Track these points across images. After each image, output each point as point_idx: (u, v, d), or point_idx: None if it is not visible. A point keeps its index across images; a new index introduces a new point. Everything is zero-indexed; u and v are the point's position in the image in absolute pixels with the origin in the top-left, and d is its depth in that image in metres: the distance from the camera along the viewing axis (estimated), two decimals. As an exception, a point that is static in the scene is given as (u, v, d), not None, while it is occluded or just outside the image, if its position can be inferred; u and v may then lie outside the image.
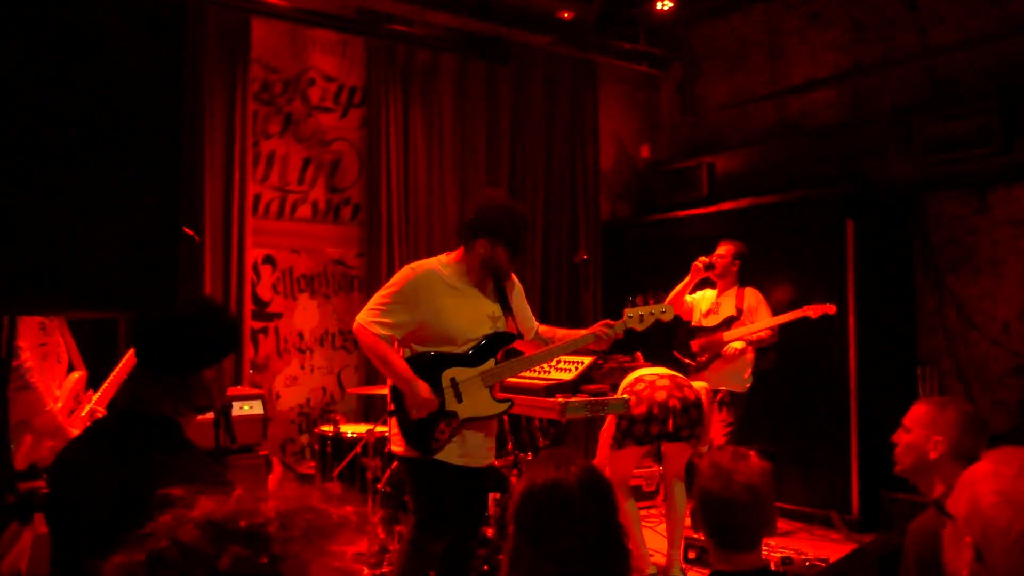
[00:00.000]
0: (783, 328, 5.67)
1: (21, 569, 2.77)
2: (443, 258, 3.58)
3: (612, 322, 3.68)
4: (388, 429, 3.69)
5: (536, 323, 3.81)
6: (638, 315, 3.70)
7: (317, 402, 6.54)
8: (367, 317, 3.41)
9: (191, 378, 1.96)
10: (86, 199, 1.51)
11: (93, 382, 3.45)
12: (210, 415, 3.48)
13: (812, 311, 5.54)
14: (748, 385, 5.70)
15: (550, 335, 3.77)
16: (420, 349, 3.46)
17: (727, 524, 2.12)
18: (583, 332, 3.68)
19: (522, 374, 4.75)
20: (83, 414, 3.28)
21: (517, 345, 3.73)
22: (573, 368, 4.65)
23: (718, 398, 5.67)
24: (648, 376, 4.73)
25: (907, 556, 2.28)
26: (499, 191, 3.63)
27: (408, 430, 3.44)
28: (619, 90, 8.22)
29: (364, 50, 6.71)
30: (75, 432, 3.09)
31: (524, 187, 7.37)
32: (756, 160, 7.22)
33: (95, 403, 3.33)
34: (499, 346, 3.54)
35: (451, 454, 3.44)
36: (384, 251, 6.54)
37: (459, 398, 3.42)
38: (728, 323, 5.61)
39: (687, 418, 4.59)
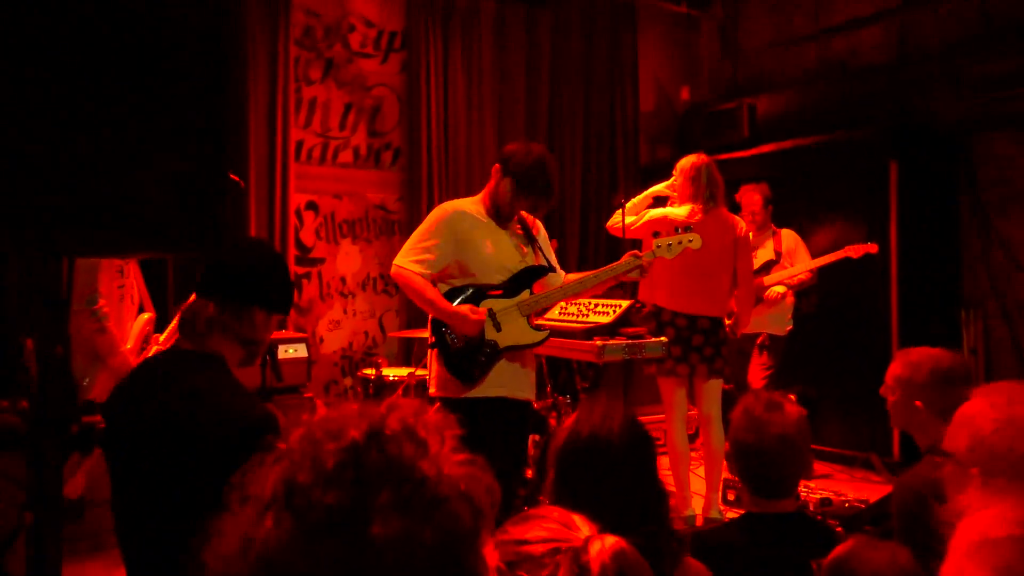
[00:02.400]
0: (824, 271, 5.63)
1: (75, 497, 2.92)
2: (472, 198, 3.66)
3: (640, 252, 3.70)
4: (427, 371, 3.76)
5: (561, 269, 3.84)
6: (666, 244, 3.72)
7: (359, 345, 6.66)
8: (405, 258, 3.49)
9: (246, 310, 2.02)
10: (134, 144, 1.56)
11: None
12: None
13: (853, 251, 5.49)
14: (788, 328, 5.70)
15: (576, 279, 3.79)
16: (454, 284, 3.52)
17: (762, 474, 2.16)
18: (613, 264, 3.70)
19: (560, 317, 4.82)
20: (151, 354, 3.41)
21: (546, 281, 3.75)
22: (611, 311, 4.69)
23: (758, 342, 5.68)
24: None
25: (893, 513, 2.30)
26: (536, 143, 3.65)
27: (450, 361, 3.49)
28: (659, 32, 8.10)
29: (404, -6, 6.69)
30: None
31: (563, 130, 7.36)
32: (798, 101, 7.11)
33: (161, 346, 3.45)
34: (532, 278, 3.58)
35: (490, 386, 3.49)
36: (424, 195, 6.59)
37: (498, 327, 3.47)
38: (767, 267, 5.58)
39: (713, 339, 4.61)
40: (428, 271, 3.46)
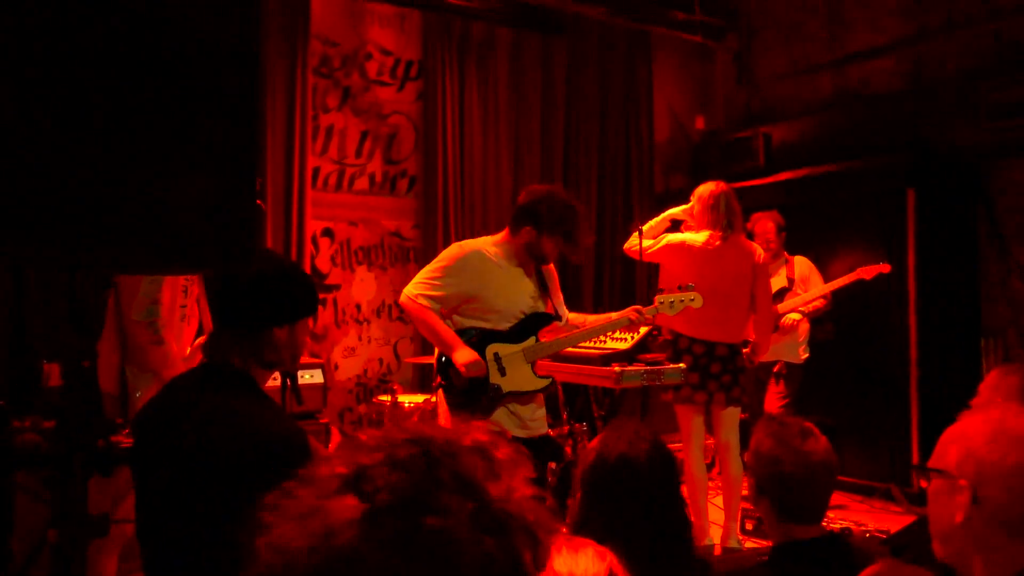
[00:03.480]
0: (842, 299, 5.60)
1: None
2: (489, 238, 3.71)
3: (643, 308, 3.78)
4: (437, 407, 3.79)
5: (567, 311, 3.90)
6: (668, 301, 3.82)
7: (374, 372, 6.64)
8: (415, 290, 3.53)
9: (262, 334, 1.99)
10: (165, 162, 1.56)
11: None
12: (277, 382, 3.58)
13: (866, 272, 5.47)
14: (805, 356, 5.66)
15: (580, 322, 3.87)
16: (463, 323, 3.57)
17: (803, 504, 2.10)
18: (615, 316, 3.79)
19: (579, 344, 4.80)
20: None
21: (553, 327, 3.81)
22: (629, 337, 4.67)
23: (775, 370, 5.64)
24: None
25: None
26: (556, 185, 3.73)
27: (455, 402, 3.55)
28: (673, 61, 8.14)
29: (421, 24, 6.75)
30: None
31: (578, 158, 7.38)
32: (814, 130, 7.11)
33: None
34: (539, 325, 3.65)
35: (508, 426, 3.52)
36: (440, 223, 6.61)
37: (502, 372, 3.53)
38: (780, 295, 5.55)
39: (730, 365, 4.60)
40: (437, 306, 3.51)
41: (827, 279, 5.73)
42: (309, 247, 6.24)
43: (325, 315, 6.43)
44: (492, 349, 3.53)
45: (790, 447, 2.10)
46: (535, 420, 3.64)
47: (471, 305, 3.53)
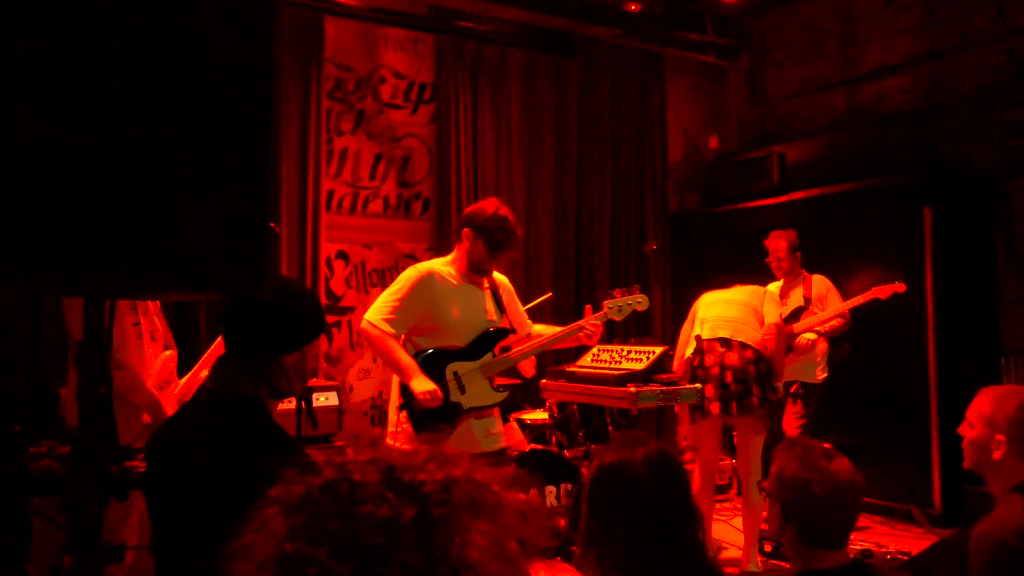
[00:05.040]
0: (860, 318, 5.56)
1: (124, 540, 2.88)
2: (442, 259, 3.86)
3: (593, 316, 3.93)
4: (388, 427, 3.87)
5: (530, 323, 4.04)
6: (617, 306, 3.96)
7: (389, 395, 6.62)
8: (376, 316, 3.62)
9: (271, 362, 1.99)
10: (179, 184, 1.56)
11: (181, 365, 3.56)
12: (292, 405, 3.57)
13: (881, 292, 5.44)
14: (824, 376, 5.61)
15: (540, 333, 3.99)
16: (421, 343, 3.66)
17: (830, 527, 2.05)
18: (569, 327, 3.93)
19: (593, 364, 4.79)
20: (175, 392, 3.38)
21: (509, 341, 3.91)
22: (644, 357, 4.64)
23: (792, 390, 5.59)
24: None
25: (971, 565, 2.21)
26: (493, 199, 3.90)
27: (418, 422, 3.62)
28: (686, 81, 8.16)
29: (434, 47, 6.80)
30: (169, 409, 3.18)
31: (591, 179, 7.39)
32: (828, 148, 7.10)
33: (182, 388, 3.42)
34: (495, 341, 3.77)
35: (455, 445, 3.56)
36: (454, 244, 6.61)
37: (462, 390, 3.65)
38: (797, 314, 5.52)
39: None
40: (396, 330, 3.60)
41: (844, 299, 5.69)
42: (324, 269, 6.26)
43: (340, 338, 6.43)
44: (452, 368, 3.63)
45: (817, 469, 2.04)
46: (489, 437, 3.73)
47: (429, 324, 3.63)
